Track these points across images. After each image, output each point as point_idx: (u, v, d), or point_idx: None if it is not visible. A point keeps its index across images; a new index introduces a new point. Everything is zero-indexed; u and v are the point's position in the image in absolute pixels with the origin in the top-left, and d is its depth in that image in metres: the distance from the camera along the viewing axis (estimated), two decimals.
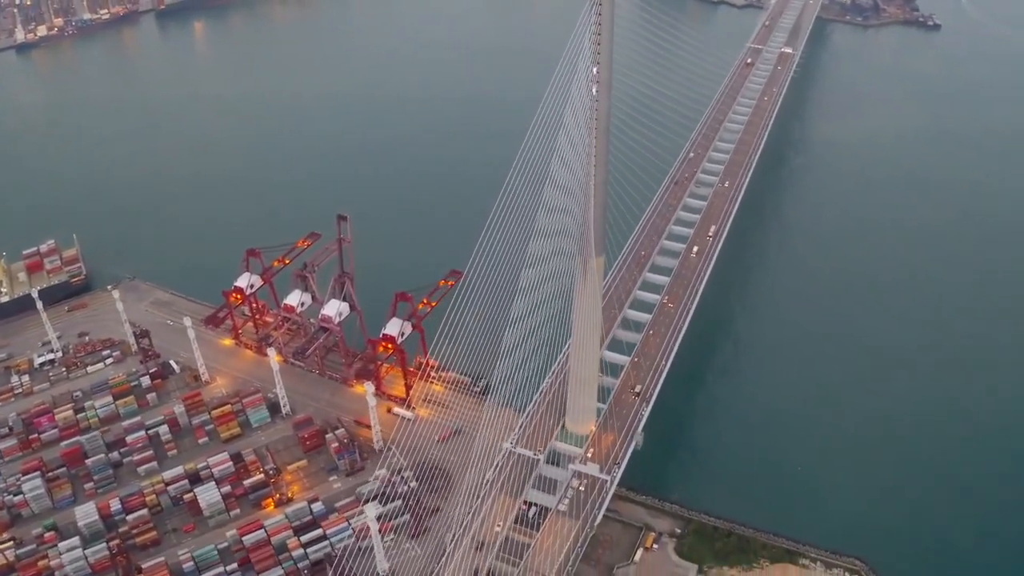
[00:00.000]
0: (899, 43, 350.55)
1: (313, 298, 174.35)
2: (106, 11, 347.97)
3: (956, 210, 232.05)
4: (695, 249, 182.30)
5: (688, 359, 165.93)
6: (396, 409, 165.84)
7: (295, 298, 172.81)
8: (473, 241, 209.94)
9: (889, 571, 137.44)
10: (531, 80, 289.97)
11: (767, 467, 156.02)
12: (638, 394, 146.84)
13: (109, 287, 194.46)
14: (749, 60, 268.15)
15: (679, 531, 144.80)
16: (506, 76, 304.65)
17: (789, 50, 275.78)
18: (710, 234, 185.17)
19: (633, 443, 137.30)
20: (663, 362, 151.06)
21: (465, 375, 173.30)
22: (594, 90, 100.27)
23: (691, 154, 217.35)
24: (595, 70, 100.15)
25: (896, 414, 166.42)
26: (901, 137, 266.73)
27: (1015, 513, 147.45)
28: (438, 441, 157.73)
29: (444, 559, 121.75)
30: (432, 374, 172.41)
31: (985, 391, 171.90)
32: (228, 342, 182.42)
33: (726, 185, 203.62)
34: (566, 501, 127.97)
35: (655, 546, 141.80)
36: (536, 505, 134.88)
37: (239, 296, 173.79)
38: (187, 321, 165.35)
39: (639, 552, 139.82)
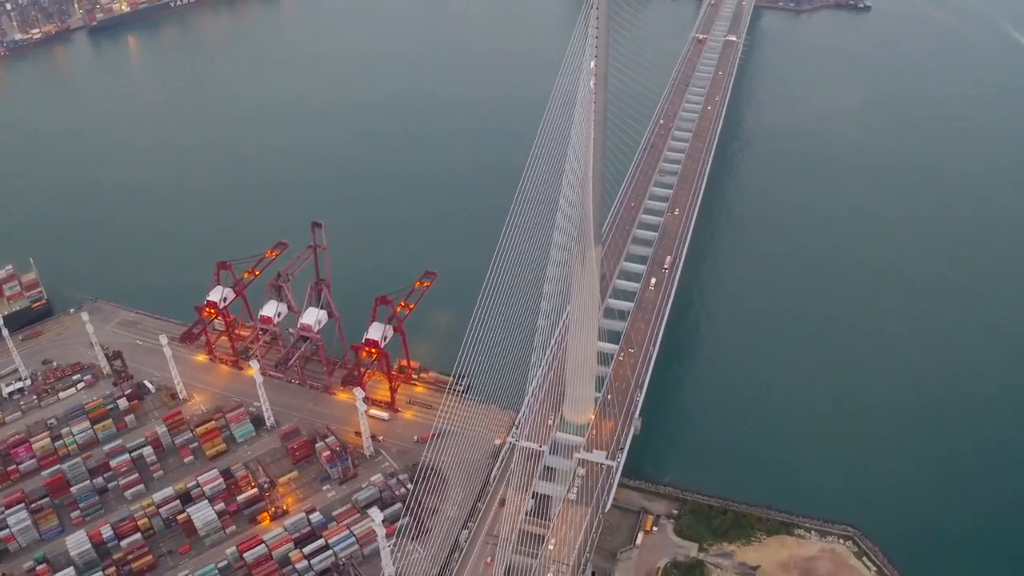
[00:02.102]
0: (832, 26, 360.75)
1: (289, 307, 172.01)
2: (37, 30, 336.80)
3: (899, 183, 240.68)
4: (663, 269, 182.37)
5: (668, 346, 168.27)
6: (372, 411, 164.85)
7: (271, 308, 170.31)
8: (444, 241, 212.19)
9: (881, 535, 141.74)
10: (488, 77, 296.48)
11: (754, 445, 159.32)
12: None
13: (72, 310, 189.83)
14: (702, 37, 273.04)
15: (676, 512, 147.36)
16: (458, 74, 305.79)
17: (733, 38, 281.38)
18: (666, 266, 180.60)
19: (632, 428, 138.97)
20: (651, 348, 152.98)
21: (449, 375, 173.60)
22: (592, 84, 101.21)
23: (661, 120, 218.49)
24: (592, 64, 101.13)
25: (875, 388, 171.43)
26: (843, 116, 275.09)
27: (996, 474, 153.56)
28: (417, 441, 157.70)
29: (460, 556, 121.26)
30: (415, 376, 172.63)
31: (960, 361, 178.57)
32: (202, 358, 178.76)
33: (676, 210, 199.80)
34: (575, 490, 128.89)
35: (655, 528, 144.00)
36: (535, 496, 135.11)
37: (213, 310, 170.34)
38: (163, 339, 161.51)
39: (640, 535, 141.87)
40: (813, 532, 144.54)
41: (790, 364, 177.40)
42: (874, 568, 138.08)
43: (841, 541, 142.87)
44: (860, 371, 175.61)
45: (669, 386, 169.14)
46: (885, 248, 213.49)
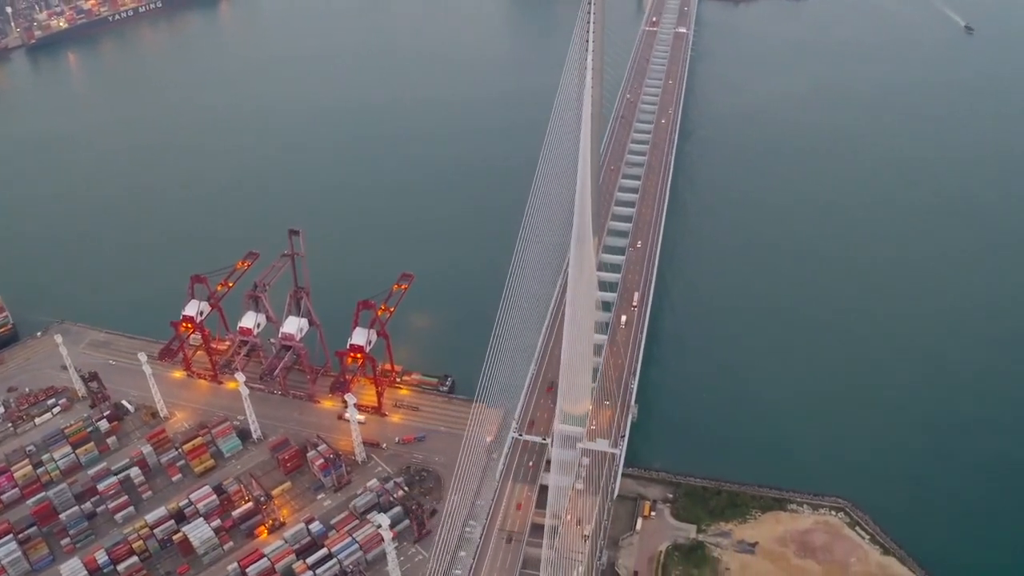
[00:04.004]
0: (771, 15, 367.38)
1: (268, 318, 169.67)
2: None
3: (854, 167, 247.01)
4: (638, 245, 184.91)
5: (649, 335, 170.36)
6: (348, 415, 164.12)
7: (250, 319, 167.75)
8: (414, 243, 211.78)
9: (871, 505, 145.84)
10: (440, 78, 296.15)
11: (741, 426, 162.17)
12: (587, 537, 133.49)
13: (39, 333, 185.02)
14: (655, 19, 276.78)
15: (671, 496, 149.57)
16: (410, 77, 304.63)
17: (683, 30, 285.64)
18: (635, 304, 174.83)
19: (630, 415, 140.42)
20: (639, 335, 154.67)
21: (432, 376, 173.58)
22: (589, 78, 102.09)
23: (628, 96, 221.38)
24: (590, 59, 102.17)
25: (853, 365, 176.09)
26: (793, 103, 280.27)
27: (974, 439, 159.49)
28: (398, 442, 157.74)
29: (476, 553, 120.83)
30: (398, 379, 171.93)
31: (932, 335, 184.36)
32: (179, 374, 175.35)
33: (639, 242, 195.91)
34: (581, 480, 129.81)
35: (653, 514, 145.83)
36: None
37: (190, 325, 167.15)
38: (142, 357, 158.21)
39: (639, 521, 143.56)
40: (805, 506, 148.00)
41: (769, 347, 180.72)
42: (867, 536, 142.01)
43: (833, 513, 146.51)
44: (838, 350, 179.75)
45: (653, 375, 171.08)
46: (853, 232, 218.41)
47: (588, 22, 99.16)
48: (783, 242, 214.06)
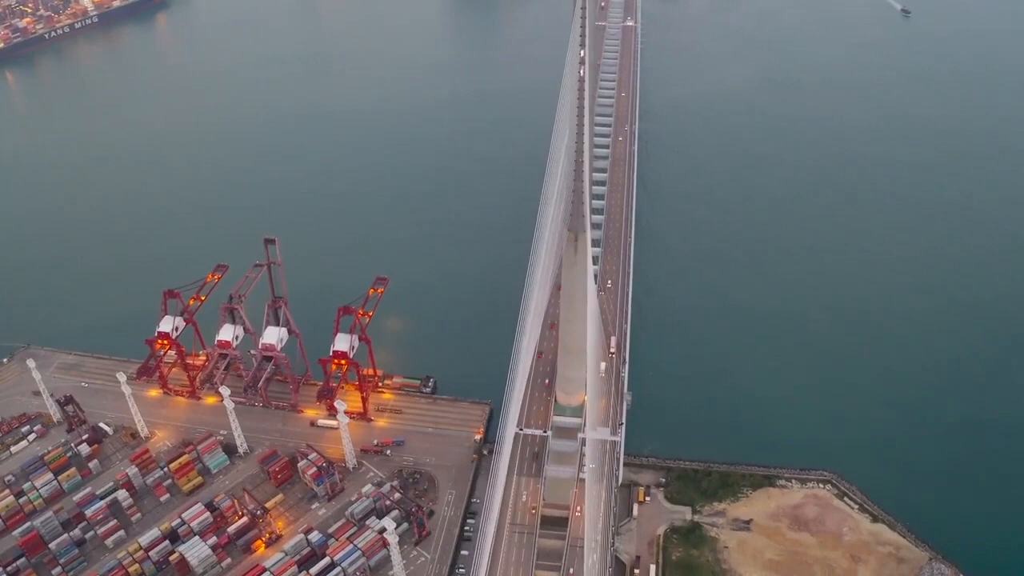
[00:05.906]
0: (711, 6, 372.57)
1: (245, 329, 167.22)
2: None
3: (806, 147, 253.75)
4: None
5: (634, 328, 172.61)
6: (320, 421, 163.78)
7: (228, 332, 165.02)
8: (383, 248, 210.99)
9: (856, 475, 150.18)
10: (387, 82, 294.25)
11: (725, 409, 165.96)
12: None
13: (5, 360, 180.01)
14: (603, 4, 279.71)
15: (663, 480, 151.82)
16: (358, 82, 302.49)
17: (631, 23, 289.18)
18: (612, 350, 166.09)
19: (625, 403, 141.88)
20: (624, 324, 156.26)
21: (413, 378, 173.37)
22: (582, 72, 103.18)
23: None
24: (583, 54, 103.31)
25: (832, 346, 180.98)
26: (738, 90, 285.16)
27: (950, 407, 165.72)
28: (377, 444, 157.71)
29: (491, 550, 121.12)
30: (380, 383, 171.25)
31: (904, 316, 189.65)
32: (155, 393, 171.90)
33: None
34: (584, 469, 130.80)
35: (647, 499, 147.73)
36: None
37: (166, 342, 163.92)
38: (121, 376, 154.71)
39: (635, 507, 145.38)
40: (794, 481, 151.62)
41: (749, 333, 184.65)
42: (856, 506, 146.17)
43: (820, 486, 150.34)
44: (814, 334, 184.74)
45: (637, 364, 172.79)
46: (825, 219, 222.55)
47: (583, 19, 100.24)
48: (760, 233, 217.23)
